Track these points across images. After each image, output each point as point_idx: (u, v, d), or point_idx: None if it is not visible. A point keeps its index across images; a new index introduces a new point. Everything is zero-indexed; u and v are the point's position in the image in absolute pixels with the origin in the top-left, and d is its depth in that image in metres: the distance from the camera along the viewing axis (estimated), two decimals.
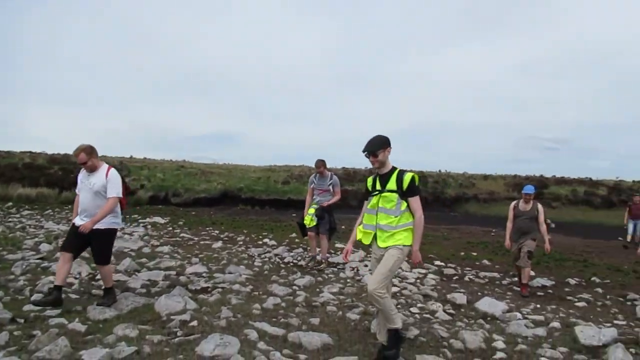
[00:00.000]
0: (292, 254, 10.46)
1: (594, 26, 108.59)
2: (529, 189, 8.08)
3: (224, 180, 29.88)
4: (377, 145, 4.40)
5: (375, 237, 4.52)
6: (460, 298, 6.82)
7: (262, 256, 10.09)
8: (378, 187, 4.50)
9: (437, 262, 10.26)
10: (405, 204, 4.38)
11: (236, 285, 6.93)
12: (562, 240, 16.59)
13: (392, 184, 4.39)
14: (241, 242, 12.18)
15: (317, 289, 7.12)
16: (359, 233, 4.70)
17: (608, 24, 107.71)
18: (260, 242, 12.27)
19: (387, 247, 4.37)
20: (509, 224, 8.24)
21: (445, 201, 30.79)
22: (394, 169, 4.50)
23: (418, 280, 8.22)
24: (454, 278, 8.83)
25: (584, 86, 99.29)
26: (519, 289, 8.02)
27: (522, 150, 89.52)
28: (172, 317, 5.10)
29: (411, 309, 6.22)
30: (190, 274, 7.67)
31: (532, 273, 9.47)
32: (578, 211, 28.64)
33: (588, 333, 5.25)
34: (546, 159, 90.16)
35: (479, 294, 7.43)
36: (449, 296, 6.98)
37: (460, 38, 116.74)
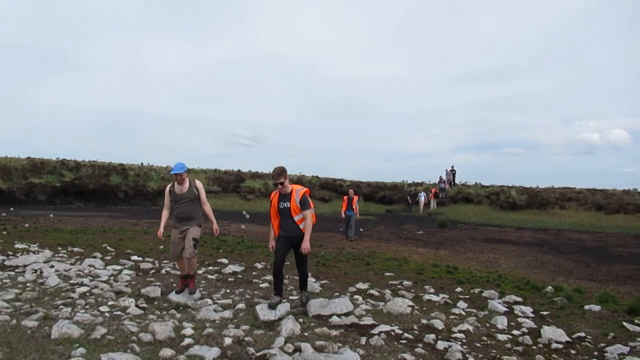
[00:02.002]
0: None
1: (286, 37, 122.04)
2: (179, 167, 6.67)
3: None
4: None
5: None
6: (154, 291, 6.84)
7: None
8: None
9: (134, 257, 10.02)
10: None
11: None
12: (255, 229, 18.24)
13: None
14: None
15: None
16: None
17: (300, 37, 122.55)
18: None
19: None
20: (165, 212, 6.96)
21: (147, 195, 30.18)
22: None
23: (112, 278, 7.88)
24: (151, 272, 8.78)
25: (275, 90, 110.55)
26: (213, 277, 8.49)
27: (222, 146, 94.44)
28: None
29: (100, 307, 5.92)
30: None
31: (226, 260, 10.17)
32: (268, 202, 31.80)
33: (266, 310, 5.95)
34: (243, 154, 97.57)
35: (174, 285, 7.56)
36: (143, 290, 6.91)
37: (163, 30, 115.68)
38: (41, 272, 7.85)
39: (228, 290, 7.52)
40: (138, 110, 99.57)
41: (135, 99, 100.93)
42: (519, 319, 6.42)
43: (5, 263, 8.54)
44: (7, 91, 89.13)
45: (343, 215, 17.03)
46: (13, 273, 7.81)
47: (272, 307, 6.00)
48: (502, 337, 5.57)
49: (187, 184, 6.76)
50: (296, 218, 6.26)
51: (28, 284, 7.05)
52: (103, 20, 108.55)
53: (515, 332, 5.81)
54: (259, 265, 9.94)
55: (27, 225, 15.42)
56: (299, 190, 6.34)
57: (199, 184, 6.89)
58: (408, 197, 33.15)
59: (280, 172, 6.27)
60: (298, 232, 6.26)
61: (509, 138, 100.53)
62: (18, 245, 10.56)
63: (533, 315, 6.75)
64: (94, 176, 30.18)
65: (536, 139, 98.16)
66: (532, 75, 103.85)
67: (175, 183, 6.77)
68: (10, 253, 9.62)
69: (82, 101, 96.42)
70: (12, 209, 21.54)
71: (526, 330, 5.89)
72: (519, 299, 7.67)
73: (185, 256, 6.63)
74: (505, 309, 6.93)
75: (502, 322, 6.18)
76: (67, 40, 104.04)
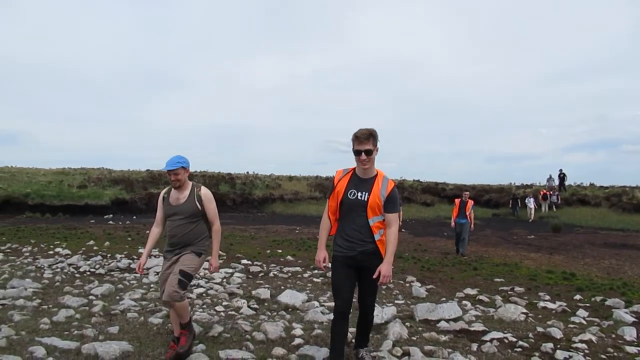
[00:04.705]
0: (89, 262, 9.68)
1: (379, 44, 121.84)
2: (172, 162, 4.47)
3: (6, 185, 26.14)
4: None
5: None
6: (264, 293, 7.11)
7: (54, 267, 9.16)
8: None
9: (244, 261, 10.50)
10: None
11: (20, 301, 6.20)
12: None
13: None
14: (27, 254, 10.84)
15: (117, 297, 6.76)
16: None
17: (393, 44, 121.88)
18: (52, 252, 11.09)
19: None
20: (155, 230, 4.70)
21: (253, 202, 31.47)
22: None
23: (224, 280, 8.32)
24: (260, 275, 9.14)
25: (368, 97, 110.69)
26: (318, 280, 8.65)
27: (322, 153, 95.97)
28: None
29: (216, 307, 6.30)
30: None
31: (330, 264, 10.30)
32: None
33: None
34: (343, 160, 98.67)
35: (282, 287, 7.82)
36: (253, 292, 7.22)
37: (260, 47, 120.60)
38: None
39: None
40: (242, 123, 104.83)
41: (239, 113, 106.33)
42: None
43: (131, 266, 9.35)
44: (129, 112, 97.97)
45: (453, 223, 13.33)
46: (138, 275, 8.52)
47: None
48: (632, 349, 5.09)
49: (186, 192, 4.61)
50: (372, 221, 3.86)
51: (152, 285, 7.65)
52: (205, 42, 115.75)
53: None
54: None
55: (147, 232, 16.73)
56: (387, 179, 3.94)
57: (205, 192, 4.75)
58: (511, 200, 31.40)
59: (370, 134, 3.81)
60: (370, 245, 3.88)
61: (627, 134, 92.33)
62: (141, 250, 11.51)
63: None
64: (205, 185, 32.07)
65: None
66: None
67: (172, 189, 4.65)
68: (135, 257, 10.51)
69: (191, 117, 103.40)
70: (134, 217, 23.55)
71: None
72: None
73: (163, 298, 4.35)
74: (634, 319, 6.34)
75: (630, 333, 5.65)
76: (176, 62, 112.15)
